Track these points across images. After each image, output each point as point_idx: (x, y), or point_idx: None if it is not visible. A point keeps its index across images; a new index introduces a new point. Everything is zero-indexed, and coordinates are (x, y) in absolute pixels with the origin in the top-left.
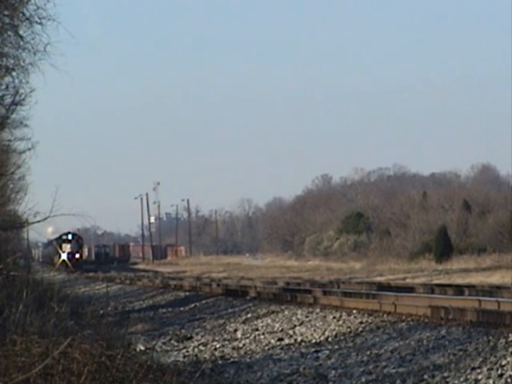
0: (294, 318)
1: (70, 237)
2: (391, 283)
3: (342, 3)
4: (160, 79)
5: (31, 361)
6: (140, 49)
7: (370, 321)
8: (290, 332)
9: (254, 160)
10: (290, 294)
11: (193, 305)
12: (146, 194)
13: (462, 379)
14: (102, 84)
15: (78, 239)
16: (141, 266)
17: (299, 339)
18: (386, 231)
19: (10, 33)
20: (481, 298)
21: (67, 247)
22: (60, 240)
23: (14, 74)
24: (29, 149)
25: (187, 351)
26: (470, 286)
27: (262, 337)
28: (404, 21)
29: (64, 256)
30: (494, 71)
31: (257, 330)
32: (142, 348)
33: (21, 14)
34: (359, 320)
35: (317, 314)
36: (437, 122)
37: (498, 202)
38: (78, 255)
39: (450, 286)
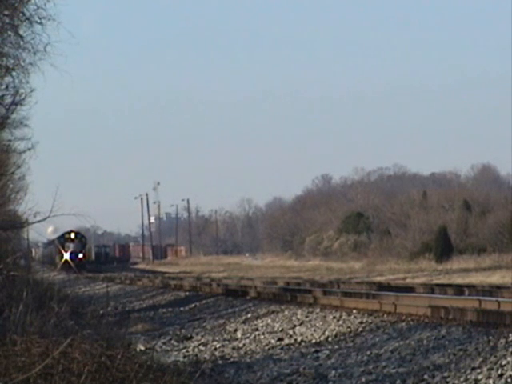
0: (294, 318)
1: (72, 236)
2: (391, 283)
3: (342, 3)
4: (160, 79)
5: (31, 361)
6: (140, 48)
7: (370, 321)
8: (290, 332)
9: (254, 160)
10: (290, 294)
11: (193, 305)
12: (146, 194)
13: (462, 379)
14: (102, 84)
15: (81, 238)
16: (141, 266)
17: (299, 339)
18: (386, 231)
19: (10, 33)
20: (481, 297)
21: (70, 246)
22: (62, 239)
23: (13, 73)
24: (29, 149)
25: (187, 351)
26: (470, 286)
27: (262, 337)
28: (404, 20)
29: (66, 256)
30: (494, 71)
31: (257, 329)
32: (142, 348)
33: (21, 14)
34: (359, 320)
35: (317, 313)
36: (437, 121)
37: (498, 201)
38: (81, 255)
39: (450, 285)
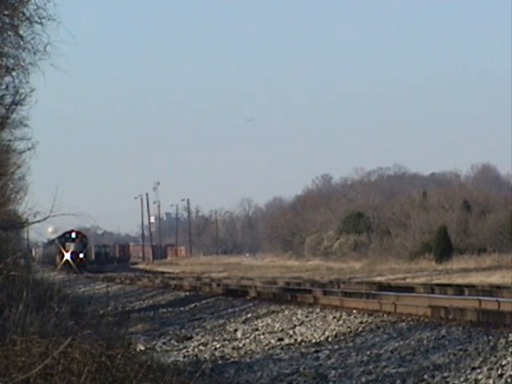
0: (294, 318)
1: (73, 235)
2: (391, 283)
3: (342, 3)
4: (160, 79)
5: (31, 361)
6: (139, 48)
7: (370, 321)
8: (290, 332)
9: (254, 160)
10: (290, 294)
11: (193, 305)
12: (146, 194)
13: (462, 379)
14: (102, 84)
15: (82, 238)
16: (141, 266)
17: (299, 339)
18: (386, 231)
19: (10, 33)
20: (481, 297)
21: (71, 246)
22: (63, 239)
23: (14, 73)
24: (29, 149)
25: (187, 351)
26: (470, 286)
27: (262, 337)
28: (404, 20)
29: (67, 256)
30: (494, 71)
31: (257, 329)
32: (142, 348)
33: (21, 14)
34: (359, 320)
35: (317, 313)
36: (437, 122)
37: (498, 201)
38: (82, 255)
39: (450, 285)
